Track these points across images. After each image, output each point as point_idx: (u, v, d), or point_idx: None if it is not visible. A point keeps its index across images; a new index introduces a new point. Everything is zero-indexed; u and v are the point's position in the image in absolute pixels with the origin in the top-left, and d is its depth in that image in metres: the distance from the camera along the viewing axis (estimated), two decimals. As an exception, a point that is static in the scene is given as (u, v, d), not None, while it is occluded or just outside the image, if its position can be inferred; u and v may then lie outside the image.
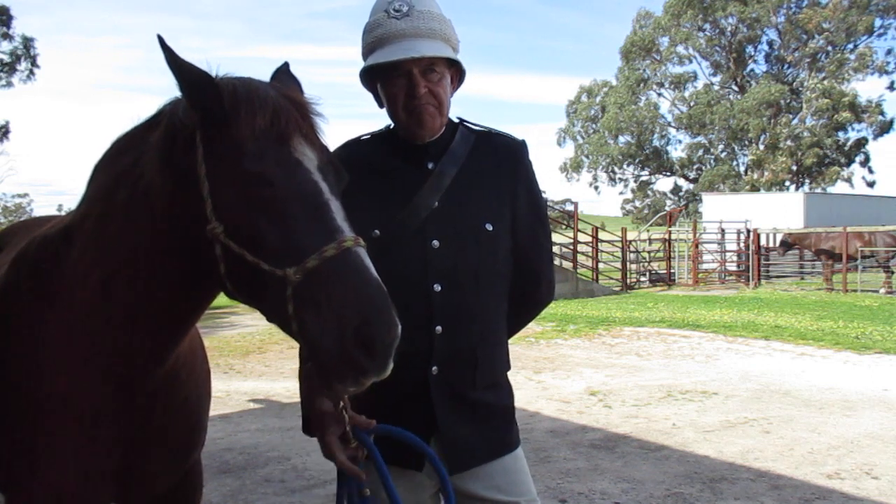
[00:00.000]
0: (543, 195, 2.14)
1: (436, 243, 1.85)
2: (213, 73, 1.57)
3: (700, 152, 49.42)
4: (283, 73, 1.75)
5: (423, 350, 1.83)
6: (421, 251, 1.85)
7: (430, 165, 1.90)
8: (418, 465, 1.87)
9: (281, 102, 1.53)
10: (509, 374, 2.05)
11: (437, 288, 1.84)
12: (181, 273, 1.62)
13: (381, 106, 1.92)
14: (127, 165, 1.67)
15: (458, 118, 2.01)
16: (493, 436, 1.93)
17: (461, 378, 1.88)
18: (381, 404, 1.79)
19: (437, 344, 1.84)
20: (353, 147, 1.97)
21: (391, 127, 1.97)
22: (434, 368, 1.85)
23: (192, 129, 1.54)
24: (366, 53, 1.86)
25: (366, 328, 1.34)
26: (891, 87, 45.39)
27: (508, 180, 1.97)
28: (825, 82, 43.06)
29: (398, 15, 1.80)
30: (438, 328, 1.84)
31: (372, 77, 1.89)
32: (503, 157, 1.98)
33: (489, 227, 1.90)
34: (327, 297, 1.37)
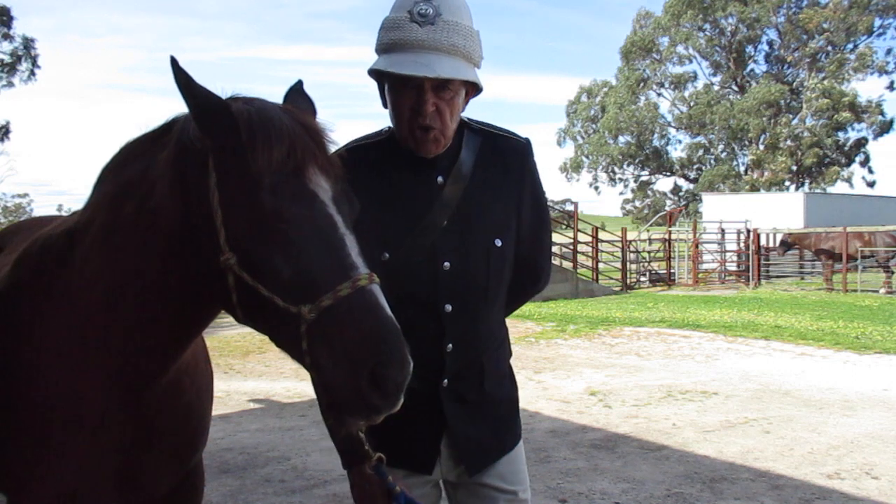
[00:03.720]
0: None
1: (447, 265, 1.83)
2: (223, 93, 1.53)
3: (700, 152, 49.41)
4: (296, 93, 1.72)
5: (434, 366, 1.84)
6: (432, 273, 1.82)
7: (440, 179, 1.85)
8: (428, 468, 1.88)
9: (297, 132, 1.50)
10: None
11: (448, 308, 1.83)
12: (190, 294, 1.60)
13: (385, 106, 1.86)
14: (134, 175, 1.65)
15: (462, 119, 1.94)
16: (503, 431, 1.96)
17: (470, 387, 1.90)
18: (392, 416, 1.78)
19: (448, 360, 1.85)
20: (360, 153, 1.86)
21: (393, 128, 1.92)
22: (445, 381, 1.86)
23: (204, 152, 1.51)
24: (379, 51, 1.78)
25: (380, 369, 1.35)
26: (891, 87, 45.44)
27: (516, 187, 1.93)
28: (825, 82, 43.05)
29: (422, 21, 1.70)
30: (449, 346, 1.84)
31: (381, 76, 1.82)
32: (510, 163, 1.94)
33: (498, 243, 1.88)
34: (341, 336, 1.38)
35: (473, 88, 1.84)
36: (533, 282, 2.06)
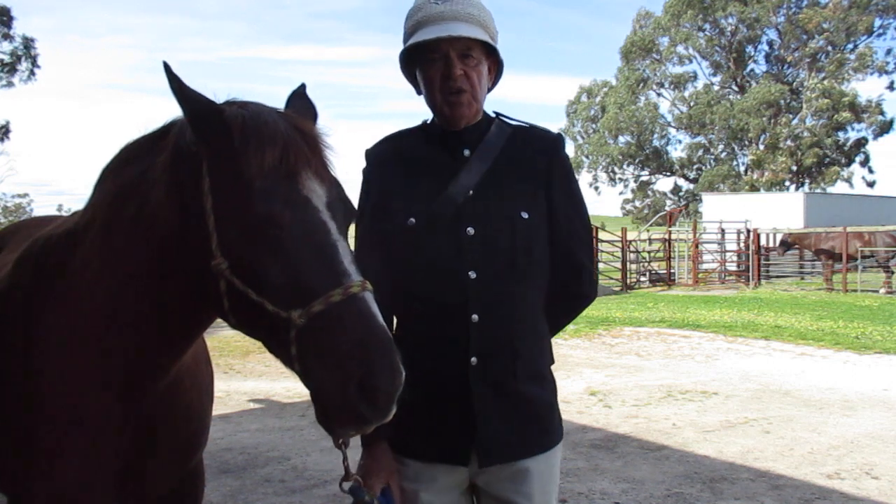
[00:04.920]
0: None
1: (471, 230, 1.85)
2: (216, 96, 1.54)
3: (700, 152, 49.43)
4: (299, 97, 1.73)
5: (460, 340, 1.82)
6: (456, 238, 1.85)
7: (466, 152, 1.92)
8: (464, 459, 1.86)
9: (291, 136, 1.49)
10: None
11: (472, 275, 1.83)
12: (187, 297, 1.60)
13: (419, 93, 1.96)
14: (133, 177, 1.65)
15: (495, 112, 2.03)
16: (532, 432, 1.91)
17: (502, 369, 1.86)
18: (420, 399, 1.71)
19: (474, 333, 1.82)
20: (394, 141, 2.02)
21: (428, 121, 2.00)
22: (473, 359, 1.82)
23: (199, 157, 1.51)
24: (406, 39, 1.90)
25: (369, 380, 1.34)
26: (891, 87, 45.44)
27: (544, 169, 1.96)
28: (825, 82, 43.05)
29: (438, 0, 1.85)
30: (475, 317, 1.83)
31: (411, 63, 1.93)
32: (539, 148, 1.99)
33: (525, 216, 1.90)
34: (331, 344, 1.36)
35: (494, 66, 1.95)
36: (575, 277, 2.00)
